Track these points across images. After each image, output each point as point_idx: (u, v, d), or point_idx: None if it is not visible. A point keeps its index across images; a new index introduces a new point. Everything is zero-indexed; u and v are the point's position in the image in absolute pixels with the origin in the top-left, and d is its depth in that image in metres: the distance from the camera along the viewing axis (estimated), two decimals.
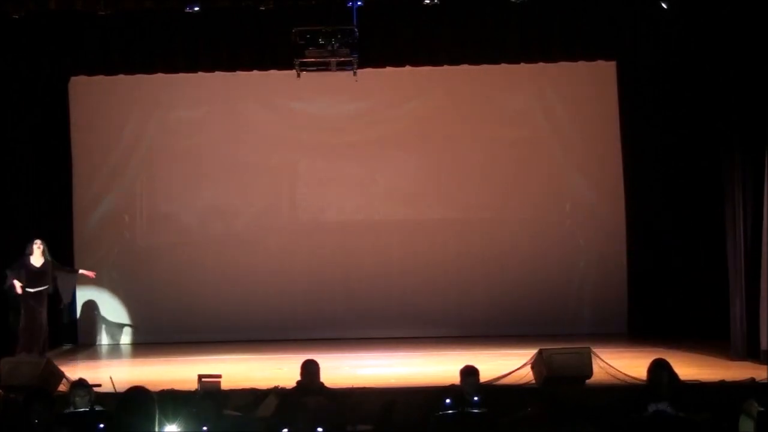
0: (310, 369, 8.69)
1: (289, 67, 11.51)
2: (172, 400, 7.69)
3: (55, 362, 10.30)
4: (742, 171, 11.33)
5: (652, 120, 13.54)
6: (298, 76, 11.60)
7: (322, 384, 8.65)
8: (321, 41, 11.09)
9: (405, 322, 14.03)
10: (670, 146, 13.32)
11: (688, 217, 13.12)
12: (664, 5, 11.27)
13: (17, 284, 11.88)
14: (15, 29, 11.61)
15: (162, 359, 12.37)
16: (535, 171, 14.30)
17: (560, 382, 9.64)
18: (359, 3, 11.23)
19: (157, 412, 5.15)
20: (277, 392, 9.06)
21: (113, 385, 8.57)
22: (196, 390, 9.02)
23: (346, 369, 11.06)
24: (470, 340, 13.23)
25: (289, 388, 8.84)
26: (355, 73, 11.54)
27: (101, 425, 6.85)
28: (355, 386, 9.60)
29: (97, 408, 7.64)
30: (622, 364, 10.13)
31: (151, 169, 14.43)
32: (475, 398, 8.41)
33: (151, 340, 13.85)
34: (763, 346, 11.05)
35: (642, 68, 13.40)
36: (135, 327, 14.22)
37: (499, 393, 9.21)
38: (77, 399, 7.95)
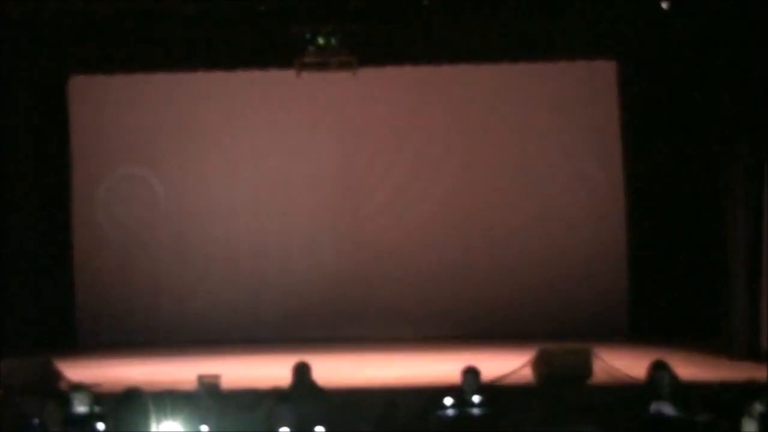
0: (298, 371, 8.73)
1: (289, 66, 11.53)
2: (172, 400, 7.69)
3: (55, 362, 10.31)
4: (744, 170, 11.34)
5: (652, 120, 13.54)
6: (298, 75, 11.62)
7: (313, 385, 8.66)
8: (321, 41, 11.12)
9: (405, 322, 14.03)
10: (671, 146, 13.32)
11: (689, 217, 13.12)
12: (663, 6, 11.28)
13: None
14: (15, 29, 11.62)
15: (162, 359, 12.37)
16: (535, 171, 14.30)
17: (560, 382, 9.65)
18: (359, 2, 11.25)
19: (156, 411, 5.15)
20: (276, 392, 9.06)
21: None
22: (196, 390, 9.01)
23: (346, 369, 11.06)
24: (470, 340, 13.23)
25: (285, 389, 8.85)
26: (354, 73, 11.56)
27: (101, 426, 6.87)
28: (354, 386, 9.61)
29: (97, 409, 7.65)
30: (622, 364, 10.13)
31: (151, 168, 14.43)
32: (476, 398, 8.42)
33: (151, 340, 13.84)
34: (764, 345, 11.06)
35: (642, 68, 13.40)
36: (135, 327, 14.20)
37: (499, 393, 9.21)
38: (76, 401, 7.97)
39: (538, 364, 9.91)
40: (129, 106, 14.31)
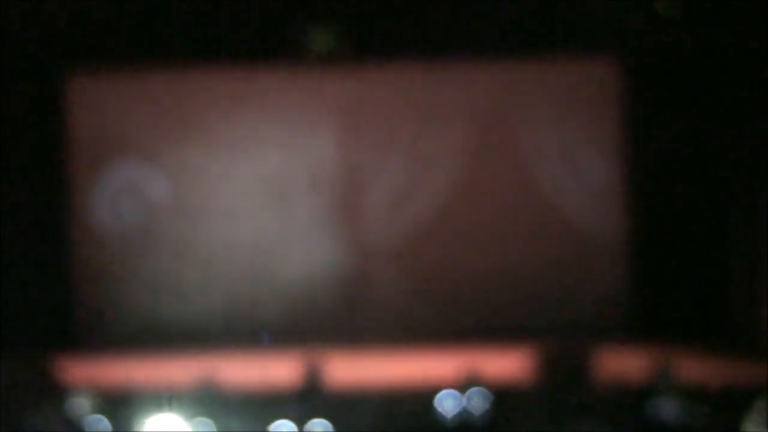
0: (309, 370, 8.74)
1: (289, 65, 11.54)
2: (172, 400, 7.69)
3: (54, 362, 10.32)
4: (746, 169, 11.35)
5: (653, 120, 13.52)
6: (298, 74, 11.63)
7: (321, 385, 8.68)
8: (320, 41, 11.12)
9: (405, 321, 14.02)
10: (673, 145, 13.31)
11: (692, 216, 13.11)
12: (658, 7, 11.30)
13: None
14: (14, 27, 11.61)
15: (162, 359, 12.37)
16: (534, 170, 14.28)
17: (560, 382, 9.65)
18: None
19: (156, 411, 5.16)
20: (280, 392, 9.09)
21: None
22: (196, 389, 9.02)
23: (346, 369, 11.05)
24: (470, 340, 13.21)
25: (290, 389, 8.88)
26: (354, 73, 11.57)
27: (101, 425, 6.88)
28: (354, 386, 9.62)
29: (95, 410, 7.66)
30: (623, 364, 10.12)
31: (150, 168, 14.42)
32: (475, 398, 8.42)
33: (151, 340, 13.83)
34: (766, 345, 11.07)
35: (643, 66, 13.39)
36: (135, 327, 14.20)
37: (498, 393, 9.20)
38: (78, 402, 7.98)
39: (537, 363, 9.91)
40: (129, 105, 14.30)
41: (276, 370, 10.81)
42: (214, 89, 14.55)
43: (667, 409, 7.83)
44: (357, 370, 11.12)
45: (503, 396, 9.13)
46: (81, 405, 7.80)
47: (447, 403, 8.30)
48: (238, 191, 14.90)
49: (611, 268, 14.44)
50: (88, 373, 10.45)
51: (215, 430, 7.24)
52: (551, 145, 14.77)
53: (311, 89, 14.18)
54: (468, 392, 8.44)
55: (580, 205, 14.65)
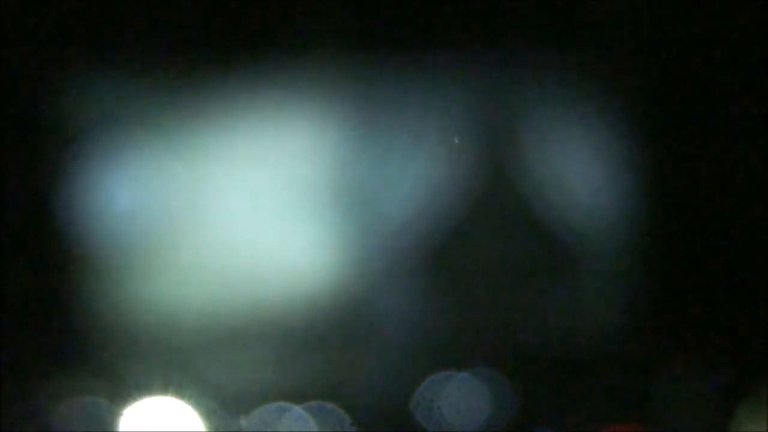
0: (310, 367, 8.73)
1: (288, 64, 11.54)
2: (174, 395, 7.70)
3: (54, 360, 10.31)
4: (748, 170, 11.36)
5: (656, 120, 13.53)
6: (297, 72, 11.63)
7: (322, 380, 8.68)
8: (318, 35, 11.15)
9: (407, 320, 14.03)
10: (676, 144, 13.31)
11: (697, 215, 13.10)
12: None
13: None
14: (12, 26, 11.63)
15: (160, 359, 12.35)
16: (535, 169, 14.30)
17: (560, 379, 9.66)
18: None
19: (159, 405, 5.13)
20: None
21: None
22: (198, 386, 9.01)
23: (347, 367, 11.05)
24: (471, 339, 13.20)
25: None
26: (355, 69, 11.60)
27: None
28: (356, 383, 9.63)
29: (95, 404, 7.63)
30: (623, 362, 10.11)
31: (149, 167, 14.42)
32: (475, 394, 8.43)
33: (152, 338, 13.82)
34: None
35: (644, 63, 13.40)
36: (135, 325, 14.19)
37: (499, 391, 9.21)
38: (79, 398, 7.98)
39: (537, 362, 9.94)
40: (127, 102, 14.30)
41: (276, 368, 10.81)
42: (214, 86, 14.56)
43: (666, 408, 7.84)
44: (358, 368, 11.14)
45: (503, 394, 9.16)
46: (82, 400, 7.83)
47: (446, 397, 8.33)
48: (237, 192, 14.89)
49: (613, 266, 14.45)
50: (88, 370, 10.46)
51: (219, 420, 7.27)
52: (552, 145, 14.77)
53: (313, 89, 14.23)
54: (467, 388, 8.46)
55: (582, 205, 14.64)
